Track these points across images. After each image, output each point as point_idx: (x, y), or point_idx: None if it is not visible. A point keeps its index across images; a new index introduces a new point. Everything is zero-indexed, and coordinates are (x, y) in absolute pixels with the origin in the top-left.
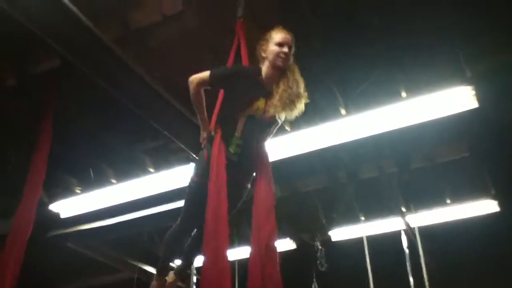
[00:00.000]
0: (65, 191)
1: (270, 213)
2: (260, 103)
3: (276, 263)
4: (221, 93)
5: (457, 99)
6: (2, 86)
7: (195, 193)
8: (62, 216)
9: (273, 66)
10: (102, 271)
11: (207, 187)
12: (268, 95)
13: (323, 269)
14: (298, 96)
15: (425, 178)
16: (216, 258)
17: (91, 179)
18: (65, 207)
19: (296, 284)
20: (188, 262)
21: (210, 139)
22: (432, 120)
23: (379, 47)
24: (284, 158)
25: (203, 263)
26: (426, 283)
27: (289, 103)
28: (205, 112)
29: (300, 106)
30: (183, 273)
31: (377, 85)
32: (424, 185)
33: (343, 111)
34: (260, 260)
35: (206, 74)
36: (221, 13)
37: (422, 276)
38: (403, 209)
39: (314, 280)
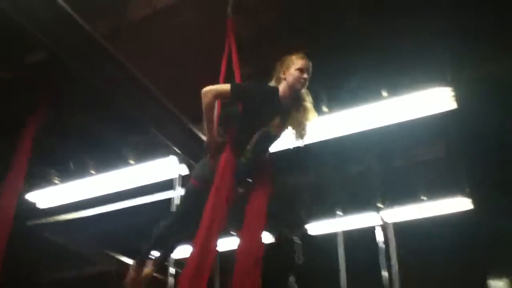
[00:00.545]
0: (43, 181)
1: (263, 218)
2: (276, 121)
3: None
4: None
5: (437, 99)
6: None
7: (193, 199)
8: (40, 206)
9: (291, 88)
10: (80, 263)
11: (204, 194)
12: (283, 114)
13: (300, 262)
14: (308, 122)
15: (402, 176)
16: (205, 255)
17: (71, 170)
18: (43, 198)
19: (274, 277)
20: (168, 254)
21: (219, 149)
22: (412, 119)
23: (364, 46)
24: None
25: (191, 254)
26: (397, 279)
27: (300, 132)
28: (215, 123)
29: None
30: (162, 264)
31: (360, 84)
32: (401, 182)
33: (325, 109)
34: (248, 257)
35: (226, 87)
36: (215, 6)
37: (395, 271)
38: (380, 205)
39: (292, 273)
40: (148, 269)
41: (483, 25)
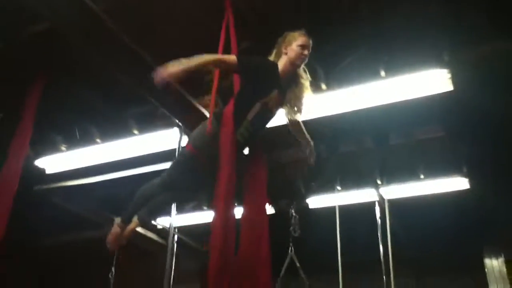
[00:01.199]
0: (51, 147)
1: (263, 187)
2: (274, 95)
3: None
4: (236, 77)
5: (434, 81)
6: None
7: (186, 162)
8: (47, 172)
9: (292, 63)
10: (87, 227)
11: (200, 159)
12: (281, 88)
13: (296, 235)
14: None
15: (402, 154)
16: (225, 218)
17: (76, 138)
18: (50, 163)
19: (274, 247)
20: (153, 213)
21: (218, 115)
22: (411, 99)
23: (364, 27)
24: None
25: (213, 220)
26: (390, 253)
27: (298, 106)
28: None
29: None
30: (145, 221)
31: (358, 63)
32: (400, 160)
33: (323, 86)
34: (252, 222)
35: (232, 57)
36: None
37: (390, 246)
38: (378, 182)
39: (291, 244)
40: (133, 223)
41: (479, 7)
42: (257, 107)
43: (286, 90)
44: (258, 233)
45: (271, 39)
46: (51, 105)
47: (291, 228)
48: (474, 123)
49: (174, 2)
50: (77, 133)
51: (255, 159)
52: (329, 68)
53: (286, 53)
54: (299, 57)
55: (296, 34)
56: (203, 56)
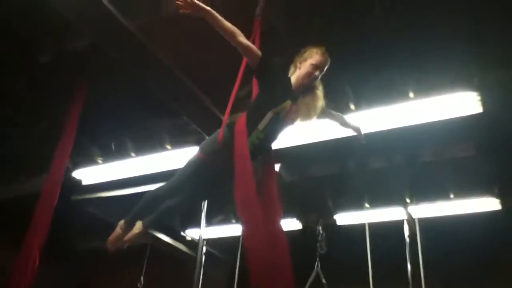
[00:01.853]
0: (87, 160)
1: (276, 199)
2: (287, 104)
3: (285, 242)
4: (254, 85)
5: (464, 103)
6: (37, 62)
7: (195, 168)
8: (84, 183)
9: (301, 80)
10: None
11: (209, 165)
12: (294, 100)
13: (323, 252)
14: (318, 110)
15: (432, 173)
16: (256, 230)
17: (112, 151)
18: (86, 175)
19: (300, 263)
20: (159, 220)
21: (230, 125)
22: (442, 120)
23: (392, 48)
24: (299, 145)
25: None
26: (422, 273)
27: (310, 115)
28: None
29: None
30: (149, 228)
31: (387, 84)
32: (430, 179)
33: (352, 106)
34: (269, 239)
35: (258, 51)
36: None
37: (419, 265)
38: (407, 200)
39: (318, 259)
40: (137, 228)
41: (507, 29)
42: (268, 116)
43: (297, 102)
44: (274, 247)
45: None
46: (89, 118)
47: (318, 244)
48: (504, 143)
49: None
50: (113, 146)
51: (266, 170)
52: (358, 88)
53: (299, 68)
54: (308, 76)
55: (314, 51)
56: (237, 30)
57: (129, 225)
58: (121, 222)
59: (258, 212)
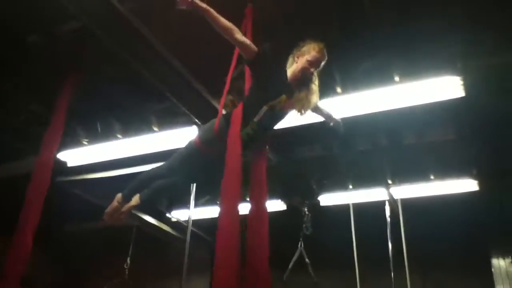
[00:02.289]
0: (73, 141)
1: (263, 185)
2: (282, 99)
3: (266, 222)
4: (248, 76)
5: (446, 87)
6: (26, 44)
7: (189, 155)
8: (69, 164)
9: (296, 73)
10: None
11: (203, 153)
12: (289, 94)
13: (308, 233)
14: (311, 105)
15: (414, 155)
16: (231, 212)
17: (98, 132)
18: (72, 157)
19: (285, 242)
20: (154, 196)
21: (227, 116)
22: (424, 104)
23: (379, 33)
24: (285, 127)
25: (219, 215)
26: (405, 251)
27: (305, 109)
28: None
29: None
30: (146, 202)
31: (373, 68)
32: (412, 161)
33: (339, 90)
34: (254, 218)
35: (253, 46)
36: None
37: (401, 244)
38: (390, 181)
39: (301, 239)
40: (134, 201)
41: (492, 16)
42: (264, 110)
43: (293, 95)
44: (258, 228)
45: (294, 40)
46: (74, 99)
47: (304, 225)
48: (483, 127)
49: None
50: (99, 128)
51: (257, 156)
52: (345, 72)
53: (296, 62)
54: (303, 71)
55: (312, 47)
56: (233, 27)
57: (126, 199)
58: (119, 195)
59: (237, 200)
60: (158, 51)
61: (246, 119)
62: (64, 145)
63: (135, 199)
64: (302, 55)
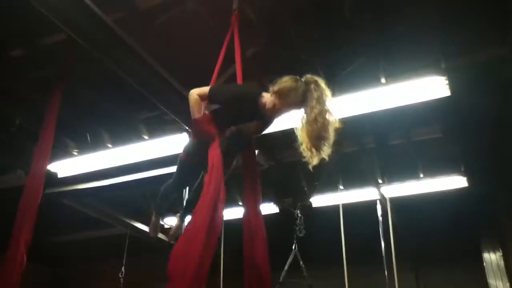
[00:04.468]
0: (63, 152)
1: (256, 188)
2: (252, 124)
3: (263, 223)
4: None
5: (431, 87)
6: (10, 57)
7: (182, 168)
8: (59, 175)
9: (268, 108)
10: (96, 226)
11: (190, 163)
12: (261, 119)
13: (301, 235)
14: (325, 140)
15: (402, 154)
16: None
17: (88, 142)
18: (62, 167)
19: (278, 245)
20: (188, 211)
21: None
22: (411, 104)
23: (365, 36)
24: (271, 132)
25: (188, 222)
26: (393, 249)
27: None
28: (202, 111)
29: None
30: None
31: (358, 71)
32: (401, 160)
33: None
34: (250, 222)
35: (206, 89)
36: None
37: (392, 242)
38: (380, 181)
39: (295, 241)
40: (178, 221)
41: (465, 14)
42: (231, 129)
43: (269, 121)
44: (255, 233)
45: (278, 44)
46: (63, 110)
47: (297, 228)
48: (470, 124)
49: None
50: (89, 138)
51: (246, 161)
52: (331, 75)
53: (270, 96)
54: (272, 111)
55: (284, 93)
56: (190, 98)
57: (158, 215)
58: (153, 213)
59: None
60: (144, 59)
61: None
62: (54, 156)
63: (178, 220)
64: (274, 94)
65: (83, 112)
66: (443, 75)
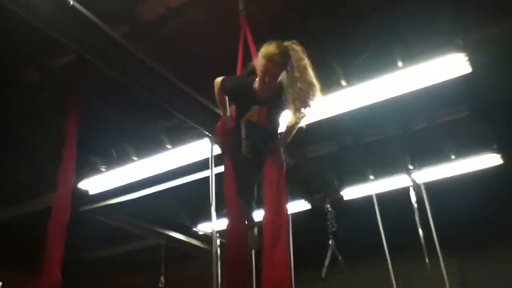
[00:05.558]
0: (91, 169)
1: (280, 188)
2: (255, 111)
3: (284, 226)
4: None
5: (453, 65)
6: (24, 81)
7: (235, 168)
8: (91, 192)
9: (260, 85)
10: (131, 239)
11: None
12: (262, 104)
13: (334, 229)
14: (310, 95)
15: (430, 137)
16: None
17: (114, 158)
18: (92, 185)
19: (313, 241)
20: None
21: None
22: (433, 84)
23: (375, 18)
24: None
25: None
26: (434, 235)
27: (303, 103)
28: (227, 109)
29: (315, 96)
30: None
31: (376, 56)
32: (429, 143)
33: (343, 82)
34: (273, 224)
35: (218, 80)
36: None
37: (430, 229)
38: (410, 167)
39: (331, 236)
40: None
41: None
42: (243, 125)
43: (273, 103)
44: (278, 232)
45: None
46: (86, 129)
47: (329, 222)
48: (496, 99)
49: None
50: (114, 153)
51: (269, 161)
52: (347, 65)
53: (259, 65)
54: (262, 82)
55: (262, 54)
56: (215, 87)
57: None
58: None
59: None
60: (155, 70)
61: (238, 137)
62: (84, 174)
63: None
64: (260, 64)
65: (105, 129)
66: (462, 51)
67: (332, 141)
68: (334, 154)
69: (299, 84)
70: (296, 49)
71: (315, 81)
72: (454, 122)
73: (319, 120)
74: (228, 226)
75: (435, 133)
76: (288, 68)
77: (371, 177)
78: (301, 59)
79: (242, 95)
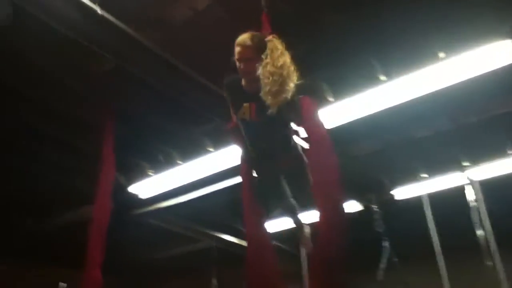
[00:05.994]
0: (140, 174)
1: (330, 189)
2: (245, 107)
3: (337, 227)
4: None
5: (499, 54)
6: (69, 90)
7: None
8: (141, 196)
9: (240, 71)
10: (182, 242)
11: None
12: (251, 100)
13: (381, 230)
14: (283, 81)
15: (483, 131)
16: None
17: (161, 162)
18: (142, 189)
19: (366, 242)
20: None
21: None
22: (480, 74)
23: (413, 8)
24: (334, 127)
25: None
26: (492, 235)
27: (271, 103)
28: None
29: (291, 85)
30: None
31: (415, 49)
32: (482, 138)
33: (382, 77)
34: (328, 226)
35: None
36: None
37: (487, 229)
38: (464, 164)
39: (385, 238)
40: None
41: None
42: (240, 124)
43: (253, 88)
44: (328, 235)
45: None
46: (134, 136)
47: (375, 223)
48: None
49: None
50: (161, 158)
51: (313, 166)
52: (384, 59)
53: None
54: (241, 73)
55: (249, 44)
56: None
57: (299, 226)
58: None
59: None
60: (191, 77)
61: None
62: (133, 179)
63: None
64: (239, 46)
65: (151, 135)
66: (509, 37)
67: (379, 139)
68: (382, 152)
69: (268, 67)
70: (272, 40)
71: (289, 65)
72: (508, 114)
73: (362, 117)
74: (247, 235)
75: (487, 127)
76: (263, 57)
77: (423, 175)
78: (276, 49)
79: (233, 92)
